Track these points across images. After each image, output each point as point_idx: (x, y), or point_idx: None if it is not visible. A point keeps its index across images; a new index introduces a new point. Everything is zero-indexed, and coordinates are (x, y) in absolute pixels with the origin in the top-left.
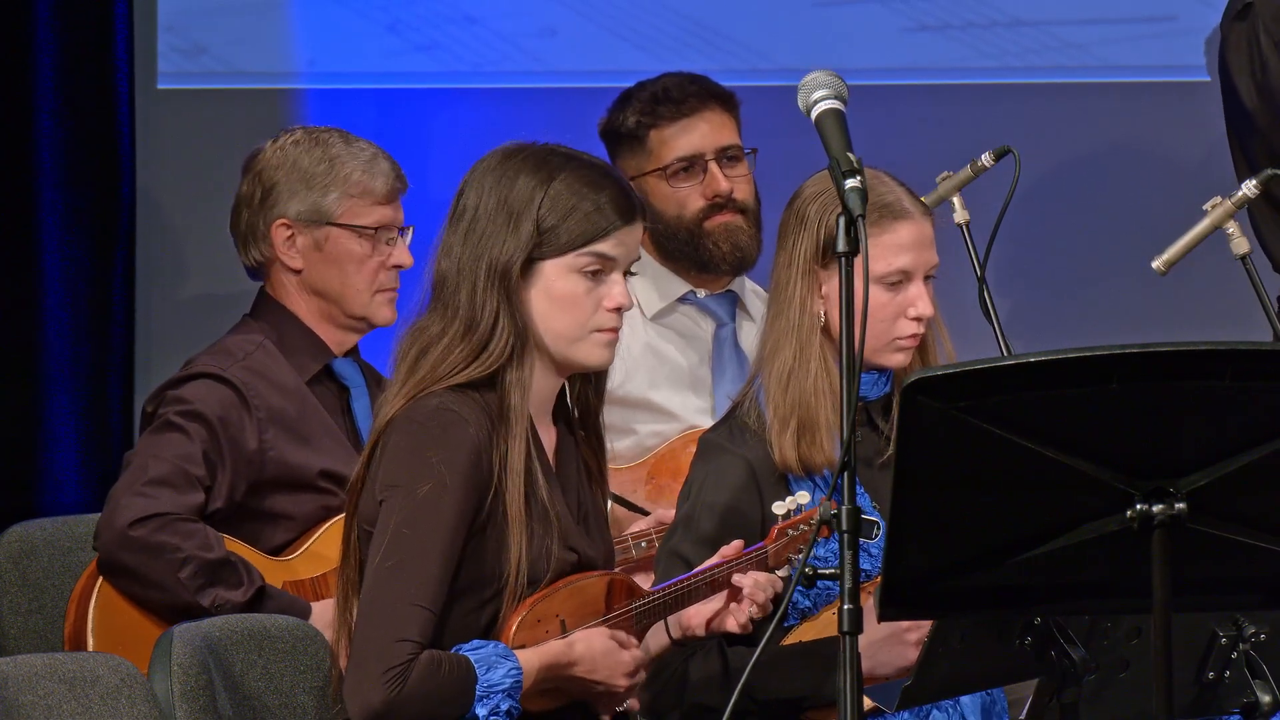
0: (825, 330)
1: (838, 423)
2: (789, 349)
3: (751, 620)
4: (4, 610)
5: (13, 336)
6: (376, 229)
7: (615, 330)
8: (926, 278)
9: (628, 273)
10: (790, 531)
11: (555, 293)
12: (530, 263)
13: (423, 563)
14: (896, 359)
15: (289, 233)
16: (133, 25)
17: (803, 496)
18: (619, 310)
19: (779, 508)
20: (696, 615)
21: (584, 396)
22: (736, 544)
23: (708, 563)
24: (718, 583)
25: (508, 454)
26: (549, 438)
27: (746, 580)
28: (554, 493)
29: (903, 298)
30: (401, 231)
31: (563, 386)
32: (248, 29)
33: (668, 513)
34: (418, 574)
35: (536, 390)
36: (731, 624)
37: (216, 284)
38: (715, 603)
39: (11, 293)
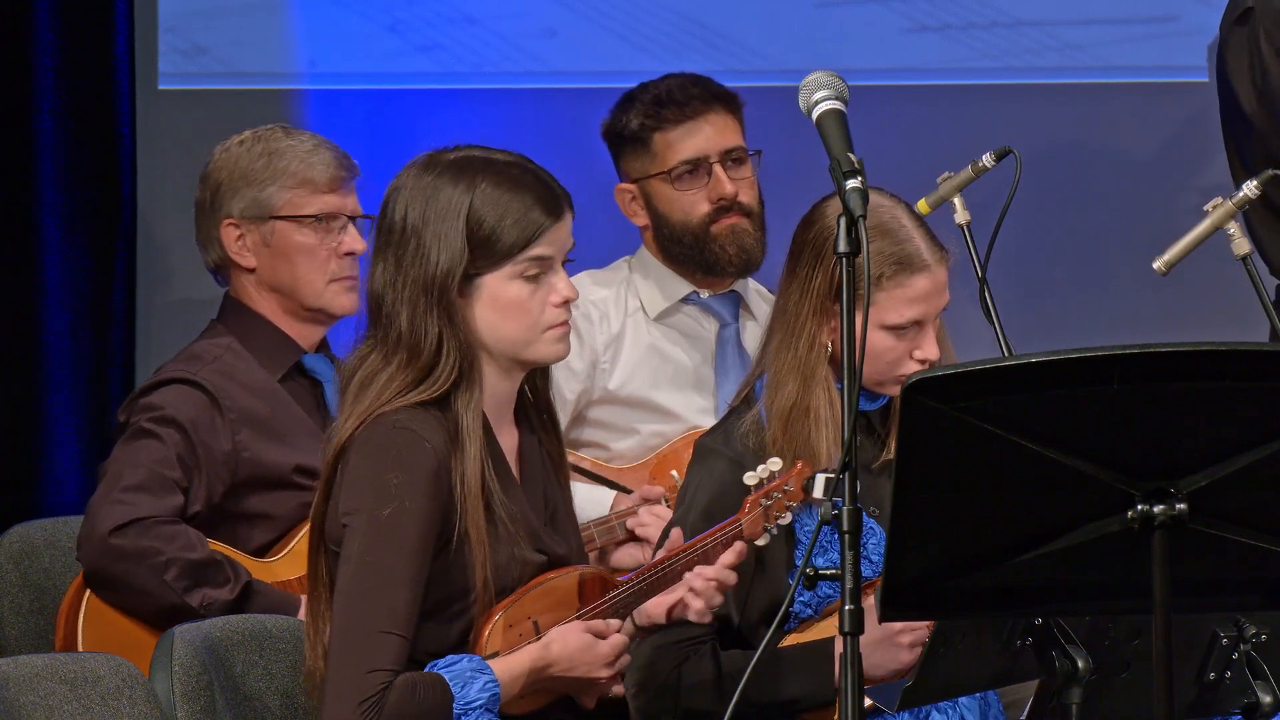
0: (832, 359)
1: (836, 453)
2: (793, 384)
3: (733, 616)
4: (5, 610)
5: (13, 336)
6: (320, 217)
7: (566, 323)
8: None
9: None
10: (764, 501)
11: (501, 303)
12: (468, 278)
13: (390, 588)
14: (897, 390)
15: (237, 232)
16: (133, 26)
17: (774, 463)
18: (566, 304)
19: (750, 478)
20: (657, 606)
21: (532, 383)
22: (676, 533)
23: (663, 553)
24: (692, 565)
25: (465, 474)
26: (510, 439)
27: (697, 582)
28: (516, 500)
29: (910, 341)
30: (355, 220)
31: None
32: (248, 29)
33: (652, 490)
34: (386, 600)
35: (494, 395)
36: (692, 614)
37: (216, 284)
38: (676, 593)
39: (11, 293)
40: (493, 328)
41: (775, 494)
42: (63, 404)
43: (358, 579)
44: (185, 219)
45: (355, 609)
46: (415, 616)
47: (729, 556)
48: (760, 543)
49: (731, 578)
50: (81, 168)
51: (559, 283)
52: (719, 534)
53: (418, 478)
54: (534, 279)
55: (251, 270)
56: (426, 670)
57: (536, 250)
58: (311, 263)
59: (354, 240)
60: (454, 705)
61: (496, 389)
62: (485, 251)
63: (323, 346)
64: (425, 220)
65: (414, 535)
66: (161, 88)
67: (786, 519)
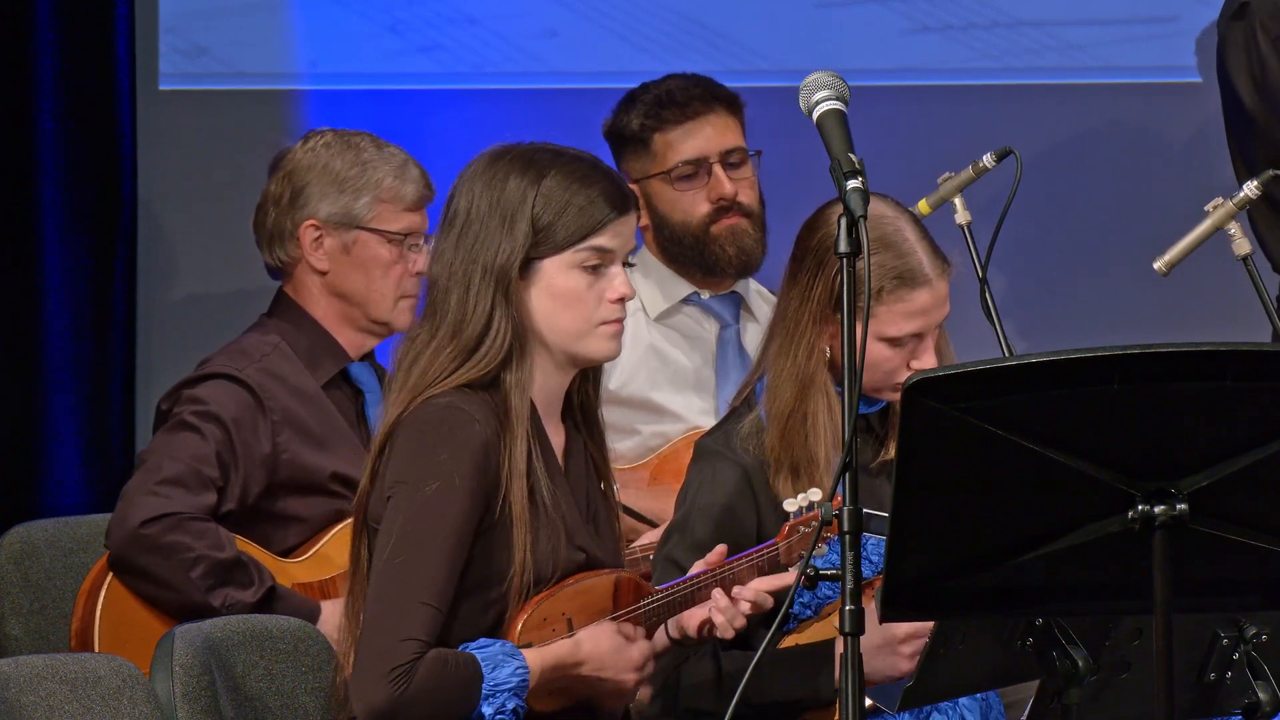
0: (831, 364)
1: (835, 457)
2: (791, 391)
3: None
4: (5, 611)
5: (13, 336)
6: (404, 235)
7: (620, 321)
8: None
9: (626, 263)
10: (802, 528)
11: (557, 290)
12: (528, 263)
13: (430, 561)
14: (895, 397)
15: (317, 234)
16: (134, 26)
17: (814, 493)
18: (622, 301)
19: (790, 505)
20: (691, 618)
21: (583, 391)
22: (720, 549)
23: (700, 565)
24: (725, 583)
25: (513, 454)
26: (558, 437)
27: (723, 601)
28: (561, 492)
29: (908, 352)
30: (426, 239)
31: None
32: (249, 30)
33: None
34: (425, 572)
35: (544, 389)
36: (718, 632)
37: (217, 284)
38: (708, 608)
39: (12, 293)
40: (548, 315)
41: (813, 523)
42: (63, 405)
43: (398, 549)
44: (186, 219)
45: (393, 578)
46: (451, 593)
47: (767, 583)
48: (793, 570)
49: (768, 601)
50: (82, 168)
51: (617, 279)
52: (755, 556)
53: (465, 456)
54: (593, 271)
55: (322, 273)
56: (459, 650)
57: (599, 240)
58: (386, 278)
59: (426, 261)
60: (483, 685)
61: (547, 383)
62: (548, 236)
63: (368, 357)
64: (492, 206)
65: (457, 513)
66: (162, 88)
67: (822, 550)
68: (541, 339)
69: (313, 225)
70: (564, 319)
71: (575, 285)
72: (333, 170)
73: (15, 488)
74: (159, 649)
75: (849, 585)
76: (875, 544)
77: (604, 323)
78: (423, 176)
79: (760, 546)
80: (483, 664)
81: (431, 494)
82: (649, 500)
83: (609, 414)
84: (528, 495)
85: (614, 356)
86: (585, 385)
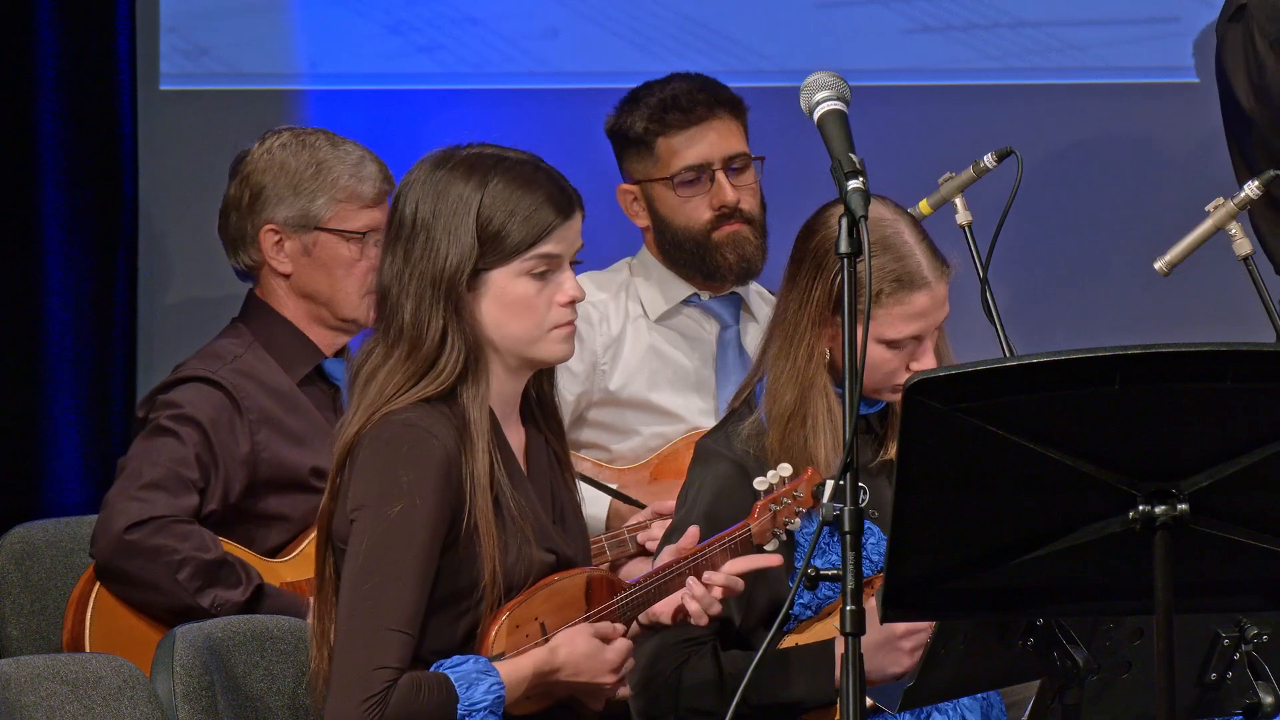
0: (830, 366)
1: (835, 459)
2: (791, 393)
3: (735, 618)
4: (6, 611)
5: (14, 337)
6: (365, 232)
7: (571, 323)
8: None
9: (573, 262)
10: (774, 506)
11: (507, 299)
12: (476, 274)
13: (397, 585)
14: (895, 398)
15: (277, 237)
16: (135, 26)
17: (784, 469)
18: (572, 303)
19: (760, 483)
20: (665, 607)
21: (539, 387)
22: (692, 532)
23: (671, 555)
24: (698, 569)
25: (475, 468)
26: (518, 438)
27: (697, 588)
28: (526, 497)
29: (908, 354)
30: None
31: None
32: (250, 30)
33: (664, 504)
34: (393, 597)
35: (500, 393)
36: (691, 618)
37: (218, 285)
38: (682, 596)
39: (13, 293)
40: (499, 324)
41: (785, 499)
42: (64, 405)
43: (364, 575)
44: (187, 220)
45: (362, 605)
46: (421, 615)
47: (741, 564)
48: (769, 548)
49: (739, 584)
50: (83, 168)
51: (566, 282)
52: (727, 538)
53: (427, 475)
54: (541, 277)
55: (286, 276)
56: (432, 670)
57: (545, 248)
58: (350, 276)
59: None
60: (459, 706)
61: (503, 387)
62: (494, 247)
63: (343, 352)
64: (436, 215)
65: (422, 533)
66: (163, 88)
67: (795, 525)
68: (494, 347)
69: (272, 229)
70: (515, 326)
71: (525, 293)
72: (289, 172)
73: (15, 488)
74: (160, 649)
75: (849, 585)
76: (874, 544)
77: (556, 326)
78: (380, 171)
79: (732, 528)
80: (457, 684)
81: (395, 517)
82: (649, 501)
83: (609, 415)
84: (492, 505)
85: (567, 358)
86: (540, 381)
